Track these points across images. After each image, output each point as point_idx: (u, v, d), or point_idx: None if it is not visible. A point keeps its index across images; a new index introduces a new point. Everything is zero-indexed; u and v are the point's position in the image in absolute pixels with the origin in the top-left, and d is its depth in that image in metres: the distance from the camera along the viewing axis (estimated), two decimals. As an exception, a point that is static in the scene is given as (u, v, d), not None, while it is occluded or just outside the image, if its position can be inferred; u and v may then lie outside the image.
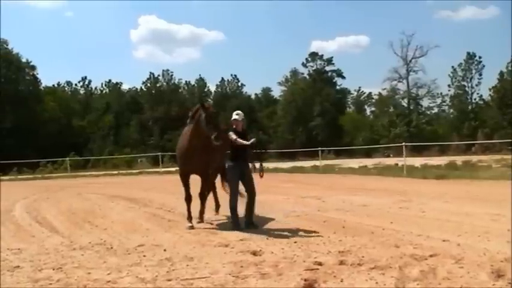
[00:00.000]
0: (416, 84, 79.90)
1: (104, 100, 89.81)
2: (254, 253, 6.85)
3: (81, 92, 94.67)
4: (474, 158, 32.98)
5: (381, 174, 24.88)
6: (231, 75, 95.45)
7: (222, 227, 9.57)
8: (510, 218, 8.95)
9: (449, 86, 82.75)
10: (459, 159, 30.07)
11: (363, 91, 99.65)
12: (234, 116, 9.51)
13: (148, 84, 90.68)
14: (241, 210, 9.43)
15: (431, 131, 73.75)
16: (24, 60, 76.57)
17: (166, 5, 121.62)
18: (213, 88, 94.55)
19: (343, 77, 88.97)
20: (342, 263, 6.07)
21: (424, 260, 6.03)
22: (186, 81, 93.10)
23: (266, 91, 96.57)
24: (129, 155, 57.89)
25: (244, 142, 9.25)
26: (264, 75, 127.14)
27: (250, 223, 9.31)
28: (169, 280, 5.59)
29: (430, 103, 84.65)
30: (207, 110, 9.27)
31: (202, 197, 10.17)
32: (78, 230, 9.84)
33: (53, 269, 6.32)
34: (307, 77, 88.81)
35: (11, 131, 64.36)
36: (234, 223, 9.36)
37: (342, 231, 8.48)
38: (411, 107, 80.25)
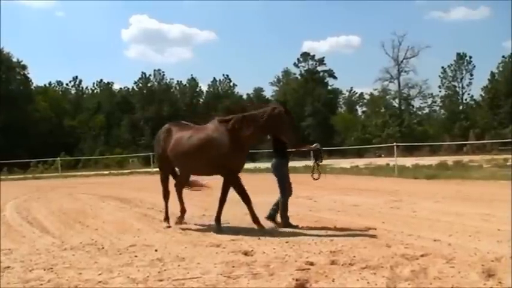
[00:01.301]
0: (408, 84, 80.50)
1: (95, 100, 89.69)
2: (246, 253, 6.85)
3: (72, 91, 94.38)
4: (465, 158, 33.15)
5: (373, 174, 24.97)
6: (223, 75, 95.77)
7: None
8: (500, 218, 9.02)
9: (439, 87, 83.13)
10: (450, 160, 30.23)
11: (354, 91, 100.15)
12: None
13: (140, 84, 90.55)
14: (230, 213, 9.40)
15: (422, 132, 74.11)
16: (15, 59, 76.31)
17: (158, 4, 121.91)
18: (204, 88, 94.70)
19: (335, 77, 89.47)
20: (333, 262, 6.08)
21: (415, 260, 6.04)
22: (177, 81, 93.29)
23: (258, 91, 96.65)
24: (120, 155, 57.77)
25: (312, 147, 9.67)
26: (256, 75, 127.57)
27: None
28: (161, 280, 5.58)
29: (421, 103, 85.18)
30: (290, 115, 9.09)
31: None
32: (69, 230, 9.80)
33: (44, 270, 6.29)
34: (299, 77, 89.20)
35: (2, 131, 64.08)
36: (287, 221, 9.29)
37: (333, 231, 8.49)
38: (402, 108, 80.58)
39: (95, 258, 6.93)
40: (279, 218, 9.40)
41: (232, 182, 9.24)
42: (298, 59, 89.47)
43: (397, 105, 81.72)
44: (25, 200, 17.31)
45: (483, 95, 79.89)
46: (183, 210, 10.26)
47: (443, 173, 21.90)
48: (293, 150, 10.16)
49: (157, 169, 11.05)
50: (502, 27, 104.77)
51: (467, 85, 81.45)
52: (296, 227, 9.14)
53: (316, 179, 9.63)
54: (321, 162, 9.77)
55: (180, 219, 10.11)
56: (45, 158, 48.77)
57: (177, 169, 10.44)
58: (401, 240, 7.42)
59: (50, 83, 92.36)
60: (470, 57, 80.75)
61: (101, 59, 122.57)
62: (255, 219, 9.05)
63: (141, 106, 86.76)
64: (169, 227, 9.69)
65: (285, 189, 9.41)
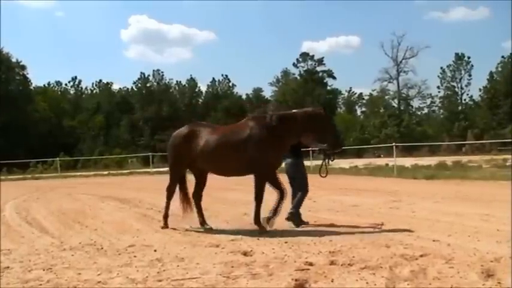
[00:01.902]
0: (407, 84, 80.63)
1: (95, 100, 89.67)
2: (245, 253, 6.84)
3: (71, 92, 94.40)
4: (464, 159, 33.14)
5: (372, 175, 24.99)
6: (222, 75, 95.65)
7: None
8: (500, 218, 9.03)
9: (438, 87, 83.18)
10: (449, 160, 30.22)
11: (353, 91, 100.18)
12: None
13: (139, 84, 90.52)
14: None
15: (421, 132, 74.14)
16: (14, 60, 76.32)
17: (157, 4, 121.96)
18: (204, 88, 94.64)
19: (334, 78, 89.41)
20: (332, 263, 6.08)
21: (415, 260, 6.04)
22: (177, 81, 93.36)
23: (257, 91, 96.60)
24: (120, 155, 57.74)
25: (323, 146, 9.61)
26: (255, 75, 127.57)
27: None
28: (160, 281, 5.58)
29: (421, 104, 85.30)
30: (329, 116, 9.41)
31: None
32: (68, 231, 9.79)
33: (43, 270, 6.29)
34: (298, 77, 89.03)
35: (1, 131, 64.01)
36: (300, 219, 9.40)
37: (332, 231, 8.50)
38: (402, 108, 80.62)
39: (94, 258, 6.92)
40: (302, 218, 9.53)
41: (262, 179, 9.11)
42: (297, 59, 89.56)
43: (396, 105, 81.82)
44: (24, 200, 17.31)
45: (482, 95, 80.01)
46: (203, 223, 9.67)
47: (443, 173, 21.92)
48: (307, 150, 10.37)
49: (170, 169, 10.09)
50: (501, 28, 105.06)
51: (466, 85, 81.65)
52: (306, 223, 9.21)
53: (324, 177, 9.75)
54: (333, 161, 9.87)
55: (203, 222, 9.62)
56: (44, 158, 48.76)
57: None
58: (401, 240, 7.41)
59: (49, 83, 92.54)
60: (469, 57, 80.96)
61: (100, 59, 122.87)
62: (257, 220, 8.99)
63: (140, 106, 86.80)
64: (166, 227, 9.61)
65: (306, 185, 9.62)
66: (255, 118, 9.41)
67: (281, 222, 9.47)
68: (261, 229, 8.82)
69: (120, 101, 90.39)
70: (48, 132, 75.27)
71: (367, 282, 5.21)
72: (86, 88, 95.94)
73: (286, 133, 9.02)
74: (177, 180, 9.88)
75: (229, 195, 14.18)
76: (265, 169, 9.06)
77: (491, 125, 71.16)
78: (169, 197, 9.93)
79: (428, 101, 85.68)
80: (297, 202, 9.47)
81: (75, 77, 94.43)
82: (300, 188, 9.58)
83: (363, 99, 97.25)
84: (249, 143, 8.92)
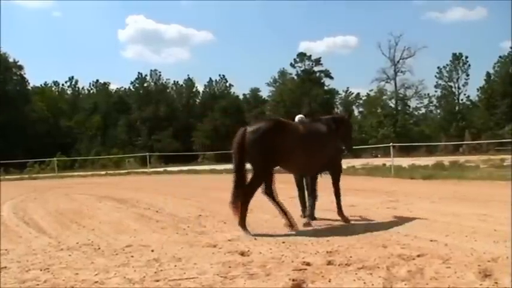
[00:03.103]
0: (404, 85, 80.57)
1: (92, 100, 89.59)
2: (242, 253, 6.84)
3: (69, 92, 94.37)
4: (462, 159, 33.15)
5: (369, 175, 24.95)
6: (219, 75, 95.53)
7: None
8: (497, 218, 9.04)
9: (435, 87, 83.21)
10: (447, 160, 30.24)
11: (351, 91, 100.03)
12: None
13: (137, 84, 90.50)
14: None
15: (418, 132, 74.21)
16: (11, 60, 76.25)
17: (155, 4, 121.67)
18: (201, 88, 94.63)
19: (331, 78, 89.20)
20: (330, 263, 6.08)
21: (412, 260, 6.05)
22: (174, 81, 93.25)
23: (254, 91, 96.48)
24: (117, 155, 57.72)
25: None
26: (252, 75, 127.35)
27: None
28: (157, 281, 5.57)
29: (418, 104, 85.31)
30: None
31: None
32: (65, 231, 9.77)
33: (41, 270, 6.28)
34: (296, 77, 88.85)
35: (-1, 131, 63.95)
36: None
37: (329, 231, 8.50)
38: (399, 108, 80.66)
39: (91, 258, 6.91)
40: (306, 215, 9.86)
41: (339, 176, 10.07)
42: (294, 59, 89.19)
43: (393, 105, 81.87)
44: (22, 200, 17.28)
45: (479, 95, 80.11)
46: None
47: (440, 173, 21.92)
48: None
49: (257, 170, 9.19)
50: (498, 28, 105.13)
51: (463, 85, 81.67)
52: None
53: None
54: None
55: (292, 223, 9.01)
56: (41, 158, 48.72)
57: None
58: (398, 240, 7.42)
59: (46, 83, 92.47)
60: (466, 57, 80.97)
61: (97, 59, 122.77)
62: (341, 211, 9.82)
63: (137, 106, 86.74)
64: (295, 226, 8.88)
65: (316, 190, 10.06)
66: (316, 119, 10.07)
67: (279, 222, 9.48)
68: (345, 220, 9.50)
69: (117, 101, 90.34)
70: (46, 132, 75.18)
71: (364, 282, 5.21)
72: (83, 88, 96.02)
73: (338, 135, 9.77)
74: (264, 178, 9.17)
75: (227, 196, 14.15)
76: (340, 168, 10.05)
77: (489, 125, 71.22)
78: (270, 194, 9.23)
79: (426, 101, 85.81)
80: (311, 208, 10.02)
81: (72, 77, 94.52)
82: (311, 190, 10.12)
83: (361, 99, 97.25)
84: (331, 142, 9.56)
